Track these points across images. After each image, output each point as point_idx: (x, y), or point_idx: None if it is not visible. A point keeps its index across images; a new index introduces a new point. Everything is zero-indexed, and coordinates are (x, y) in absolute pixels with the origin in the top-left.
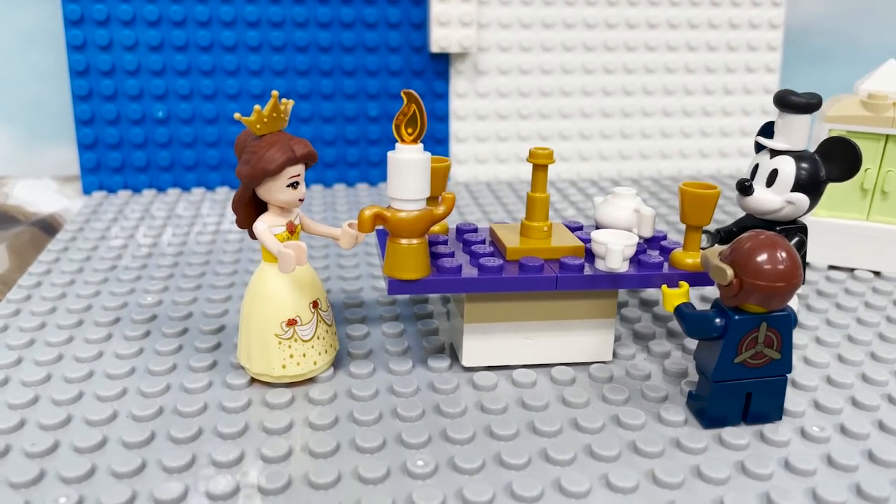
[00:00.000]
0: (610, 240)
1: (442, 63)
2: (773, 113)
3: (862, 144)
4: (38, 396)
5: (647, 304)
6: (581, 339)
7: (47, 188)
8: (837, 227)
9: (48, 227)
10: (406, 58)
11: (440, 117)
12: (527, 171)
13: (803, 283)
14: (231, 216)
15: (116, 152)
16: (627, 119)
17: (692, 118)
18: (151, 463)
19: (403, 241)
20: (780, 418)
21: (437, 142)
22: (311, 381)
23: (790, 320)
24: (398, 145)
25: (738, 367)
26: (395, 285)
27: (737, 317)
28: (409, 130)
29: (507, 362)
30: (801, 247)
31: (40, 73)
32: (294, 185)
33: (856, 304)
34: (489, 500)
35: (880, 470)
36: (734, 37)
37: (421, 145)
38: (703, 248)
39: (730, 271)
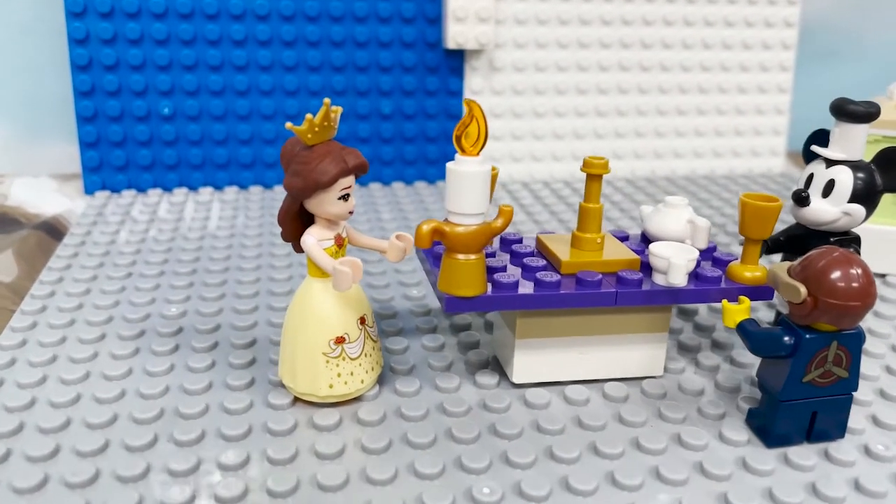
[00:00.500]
0: (672, 254)
1: (457, 59)
2: (786, 112)
3: None
4: (69, 419)
5: (687, 314)
6: (633, 353)
7: (46, 187)
8: (869, 233)
9: (53, 230)
10: (420, 54)
11: (454, 115)
12: (542, 170)
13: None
14: (245, 218)
15: (120, 150)
16: (642, 117)
17: (706, 117)
18: (203, 495)
19: (461, 256)
20: (842, 436)
21: (449, 140)
22: (357, 399)
23: (860, 338)
24: (458, 156)
25: (806, 386)
26: (452, 303)
27: (807, 335)
28: (471, 142)
29: (558, 378)
30: None
31: (37, 67)
32: (345, 198)
33: (894, 312)
34: None
35: None
36: (750, 35)
37: (481, 157)
38: None
39: (803, 289)
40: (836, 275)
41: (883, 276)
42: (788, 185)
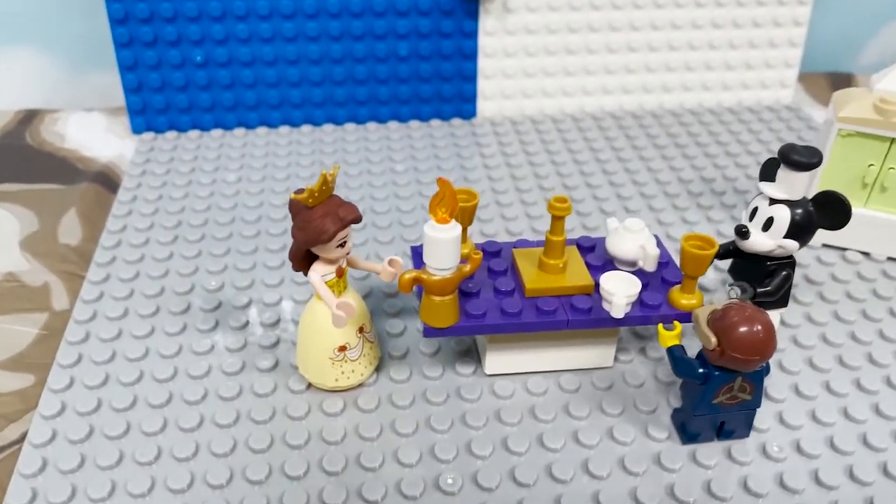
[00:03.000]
0: (615, 291)
1: (472, 3)
2: (800, 45)
3: (869, 144)
4: (136, 398)
5: None
6: (586, 350)
7: (98, 125)
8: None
9: (108, 181)
10: None
11: (468, 56)
12: (551, 106)
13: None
14: (273, 156)
15: (160, 95)
16: (653, 53)
17: (718, 51)
18: (237, 475)
19: (437, 298)
20: (747, 435)
21: (464, 79)
22: (360, 385)
23: (763, 373)
24: (433, 223)
25: (715, 405)
26: (430, 330)
27: (717, 372)
28: (443, 210)
29: (523, 370)
30: (787, 280)
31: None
32: (342, 244)
33: (850, 276)
34: None
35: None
36: None
37: (453, 222)
38: (738, 297)
39: (714, 339)
40: (740, 332)
41: (844, 250)
42: (793, 123)
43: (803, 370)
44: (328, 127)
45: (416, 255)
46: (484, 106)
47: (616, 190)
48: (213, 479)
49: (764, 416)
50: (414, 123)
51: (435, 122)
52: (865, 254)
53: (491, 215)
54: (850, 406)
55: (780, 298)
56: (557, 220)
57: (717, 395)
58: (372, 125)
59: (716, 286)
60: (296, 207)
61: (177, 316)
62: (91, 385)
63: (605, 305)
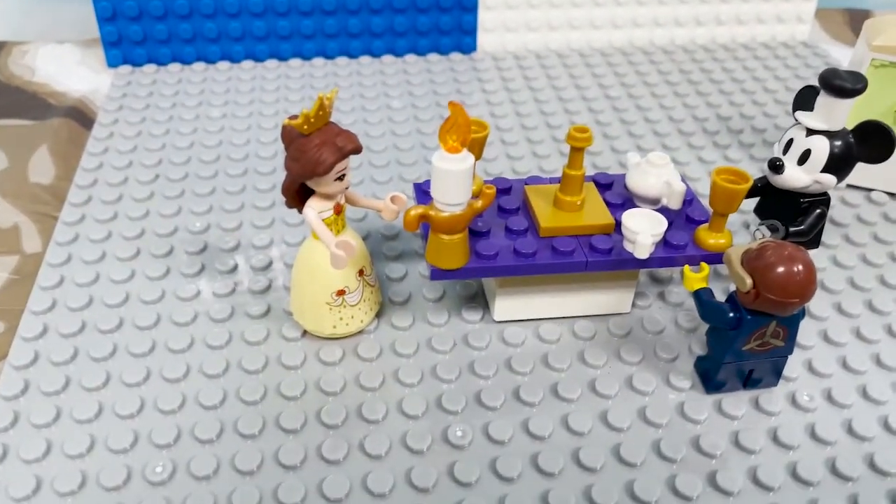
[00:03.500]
0: (639, 229)
1: None
2: None
3: None
4: (115, 347)
5: None
6: (603, 294)
7: (70, 57)
8: None
9: (82, 116)
10: None
11: None
12: (556, 40)
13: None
14: (260, 91)
15: (137, 25)
16: None
17: None
18: (228, 428)
19: (445, 236)
20: (776, 384)
21: (464, 10)
22: (359, 332)
23: (799, 317)
24: (442, 153)
25: (745, 352)
26: (437, 273)
27: (749, 316)
28: (453, 138)
29: (534, 316)
30: (822, 218)
31: None
32: (341, 177)
33: (876, 218)
34: (517, 475)
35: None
36: None
37: (464, 151)
38: (768, 236)
39: (749, 280)
40: (778, 272)
41: (869, 190)
42: (810, 60)
43: (832, 316)
44: (318, 61)
45: (420, 192)
46: (485, 39)
47: (627, 128)
48: (201, 433)
49: (792, 364)
50: (410, 58)
51: (433, 57)
52: (892, 195)
53: (496, 153)
54: (883, 353)
55: (812, 239)
56: (577, 151)
57: (747, 342)
58: (365, 59)
59: (737, 228)
60: (289, 135)
61: (159, 259)
62: (66, 333)
63: (628, 245)
